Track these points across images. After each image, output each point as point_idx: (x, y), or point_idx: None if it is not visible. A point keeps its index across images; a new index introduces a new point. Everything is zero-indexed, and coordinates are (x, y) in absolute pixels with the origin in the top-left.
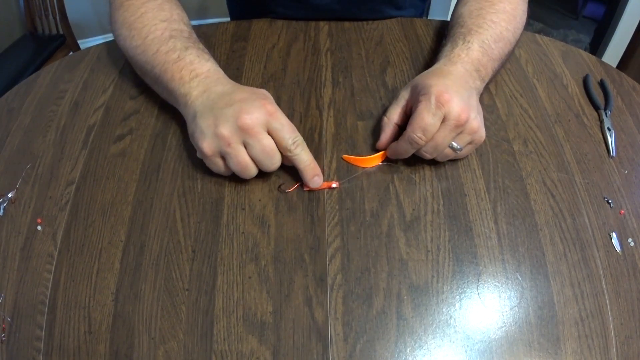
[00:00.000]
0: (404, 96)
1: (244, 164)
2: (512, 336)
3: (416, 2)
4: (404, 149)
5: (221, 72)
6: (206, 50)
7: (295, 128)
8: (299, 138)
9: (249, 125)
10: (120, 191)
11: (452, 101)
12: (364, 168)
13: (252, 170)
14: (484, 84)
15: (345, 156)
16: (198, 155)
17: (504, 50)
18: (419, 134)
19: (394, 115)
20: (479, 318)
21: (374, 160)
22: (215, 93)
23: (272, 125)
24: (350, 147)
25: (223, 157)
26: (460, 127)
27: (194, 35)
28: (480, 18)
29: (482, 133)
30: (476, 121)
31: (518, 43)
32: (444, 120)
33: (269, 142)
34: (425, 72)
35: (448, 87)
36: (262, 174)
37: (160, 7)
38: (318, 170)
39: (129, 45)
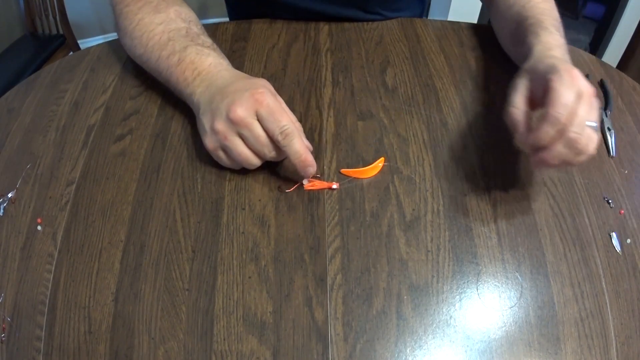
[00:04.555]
0: (523, 83)
1: (244, 156)
2: (512, 336)
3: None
4: (547, 133)
5: (224, 64)
6: (208, 43)
7: (285, 113)
8: (288, 127)
9: (238, 117)
10: (120, 191)
11: (581, 76)
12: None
13: (253, 160)
14: None
15: (344, 170)
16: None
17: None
18: (560, 110)
19: (520, 103)
20: (479, 318)
21: (373, 170)
22: (215, 87)
23: (260, 114)
24: (350, 147)
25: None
26: (592, 103)
27: (195, 29)
28: (536, 8)
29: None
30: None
31: None
32: (579, 96)
33: (261, 131)
34: (533, 60)
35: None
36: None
37: (156, 8)
38: (309, 161)
39: (134, 55)
